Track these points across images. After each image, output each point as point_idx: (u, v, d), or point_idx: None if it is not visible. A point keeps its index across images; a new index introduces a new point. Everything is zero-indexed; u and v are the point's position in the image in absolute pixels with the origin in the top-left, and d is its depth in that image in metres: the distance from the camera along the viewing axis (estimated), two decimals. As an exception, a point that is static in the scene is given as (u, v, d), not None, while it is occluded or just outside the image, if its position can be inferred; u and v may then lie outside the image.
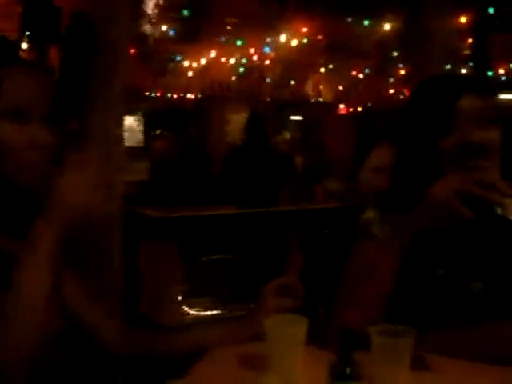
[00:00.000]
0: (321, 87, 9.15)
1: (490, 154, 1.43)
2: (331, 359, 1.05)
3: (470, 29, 7.51)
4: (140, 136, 10.64)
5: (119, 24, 2.32)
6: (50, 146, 1.28)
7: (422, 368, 1.26)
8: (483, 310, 1.48)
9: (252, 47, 7.48)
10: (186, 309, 4.65)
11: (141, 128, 10.65)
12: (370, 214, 1.62)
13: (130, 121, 10.46)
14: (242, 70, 8.01)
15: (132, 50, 6.12)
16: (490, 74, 8.18)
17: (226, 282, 4.76)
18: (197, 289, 4.75)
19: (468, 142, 1.43)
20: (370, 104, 9.04)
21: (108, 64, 2.32)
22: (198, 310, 4.63)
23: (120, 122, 2.49)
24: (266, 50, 7.53)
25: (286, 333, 1.24)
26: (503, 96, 8.64)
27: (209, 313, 4.58)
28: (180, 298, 4.67)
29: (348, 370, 0.99)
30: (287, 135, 10.07)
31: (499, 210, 1.36)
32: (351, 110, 9.43)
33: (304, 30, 7.46)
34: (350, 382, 0.99)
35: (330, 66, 8.54)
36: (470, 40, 7.75)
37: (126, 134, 10.17)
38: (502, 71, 8.35)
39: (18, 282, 1.16)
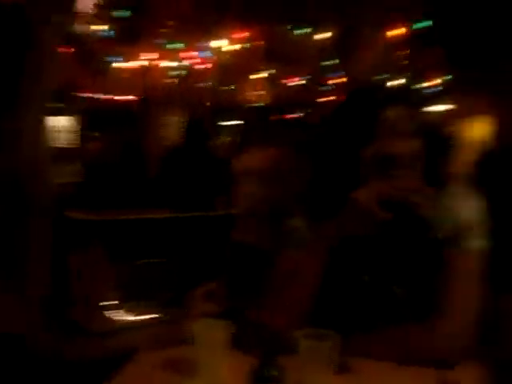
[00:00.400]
0: (260, 92, 9.20)
1: (410, 163, 1.48)
2: (254, 363, 1.06)
3: (406, 41, 7.72)
4: (75, 137, 10.44)
5: (50, 20, 2.28)
6: None
7: (344, 370, 1.29)
8: (406, 313, 1.52)
9: (192, 51, 7.47)
10: (120, 313, 4.58)
11: (76, 128, 10.45)
12: (295, 221, 1.64)
13: (65, 121, 10.27)
14: (181, 72, 7.98)
15: (70, 50, 6.03)
16: (424, 85, 8.40)
17: (161, 286, 4.71)
18: (131, 293, 4.68)
19: (388, 153, 1.47)
20: (309, 110, 9.16)
21: (36, 61, 2.27)
22: (132, 315, 4.56)
23: (47, 122, 2.44)
24: (206, 54, 7.54)
25: (212, 337, 1.25)
26: (435, 107, 8.90)
27: (144, 317, 4.51)
28: (114, 302, 4.60)
29: (269, 374, 1.00)
30: (226, 139, 10.05)
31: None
32: (289, 116, 9.51)
33: (244, 35, 7.52)
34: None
35: (269, 72, 8.60)
36: (406, 51, 7.96)
37: (60, 135, 10.00)
38: (435, 82, 8.58)
39: None
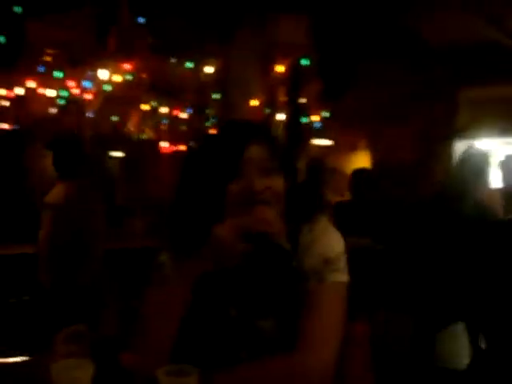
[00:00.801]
0: (143, 125, 9.13)
1: (272, 199, 1.53)
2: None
3: (287, 77, 7.95)
4: None
5: None
6: None
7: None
8: (272, 346, 1.55)
9: (72, 80, 7.32)
10: None
11: None
12: (163, 257, 1.64)
13: None
14: (61, 102, 7.78)
15: None
16: (304, 120, 8.65)
17: (30, 326, 4.49)
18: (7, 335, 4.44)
19: (250, 189, 1.51)
20: (191, 143, 9.17)
21: None
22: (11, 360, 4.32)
23: None
24: (87, 84, 7.41)
25: (71, 376, 1.22)
26: (317, 141, 9.18)
27: (12, 360, 4.30)
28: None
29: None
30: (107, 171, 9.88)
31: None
32: (174, 148, 9.49)
33: (127, 66, 7.46)
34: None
35: (153, 104, 8.57)
36: (287, 87, 8.19)
37: None
38: (315, 118, 8.85)
39: None
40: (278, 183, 1.55)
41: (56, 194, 4.23)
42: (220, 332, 1.56)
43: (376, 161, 8.92)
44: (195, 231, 1.52)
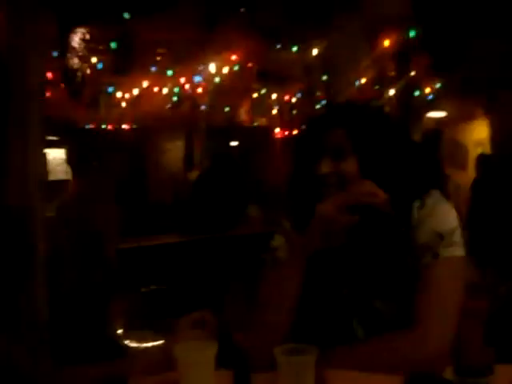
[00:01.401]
0: (254, 113, 9.28)
1: (339, 182, 1.56)
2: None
3: (395, 51, 7.79)
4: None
5: (31, 62, 2.36)
6: None
7: (321, 382, 1.33)
8: (387, 325, 1.56)
9: (183, 76, 7.55)
10: (126, 342, 4.62)
11: (73, 161, 10.47)
12: (276, 241, 1.69)
13: (61, 154, 10.32)
14: (174, 98, 8.06)
15: (63, 85, 6.12)
16: (416, 93, 8.45)
17: (163, 313, 4.74)
18: (136, 321, 4.72)
19: (323, 173, 1.55)
20: (303, 127, 9.20)
21: (22, 103, 2.35)
22: (138, 343, 4.60)
23: (40, 157, 2.52)
24: (197, 78, 7.61)
25: (194, 357, 1.30)
26: (431, 114, 8.95)
27: (149, 344, 4.56)
28: (120, 331, 4.64)
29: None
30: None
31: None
32: (286, 133, 9.57)
33: (233, 58, 7.60)
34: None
35: (262, 92, 8.68)
36: (396, 62, 8.03)
37: (61, 168, 10.04)
38: (428, 90, 8.63)
39: None
40: (348, 167, 1.57)
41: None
42: (334, 311, 1.60)
43: (495, 130, 8.57)
44: (307, 212, 1.55)
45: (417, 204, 1.60)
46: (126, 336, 4.63)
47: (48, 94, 5.81)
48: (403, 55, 7.89)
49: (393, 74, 8.11)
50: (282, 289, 1.55)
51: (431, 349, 1.46)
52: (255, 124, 9.39)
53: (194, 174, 7.75)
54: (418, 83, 8.34)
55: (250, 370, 1.07)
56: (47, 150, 9.33)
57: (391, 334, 1.51)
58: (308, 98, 8.40)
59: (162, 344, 1.59)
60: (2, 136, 2.38)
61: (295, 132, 8.87)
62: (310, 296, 1.58)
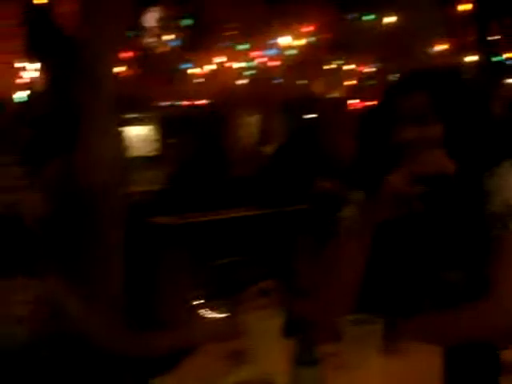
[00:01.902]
0: (329, 84, 9.19)
1: (424, 147, 1.53)
2: (297, 348, 1.13)
3: (472, 16, 7.54)
4: (155, 145, 10.76)
5: (105, 41, 2.44)
6: None
7: (391, 354, 1.34)
8: (458, 296, 1.55)
9: (257, 50, 7.56)
10: (202, 313, 4.73)
11: (155, 137, 10.76)
12: (346, 211, 1.70)
13: (143, 130, 10.60)
14: (249, 73, 8.09)
15: (142, 62, 6.25)
16: (496, 59, 8.17)
17: (240, 285, 4.82)
18: (212, 293, 4.82)
19: (406, 139, 1.53)
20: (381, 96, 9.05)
21: (96, 82, 2.44)
22: (213, 315, 4.70)
23: (115, 134, 2.60)
24: (272, 51, 7.61)
25: (261, 326, 1.34)
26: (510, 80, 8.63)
27: (220, 315, 4.65)
28: (196, 302, 4.75)
29: (306, 357, 1.08)
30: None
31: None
32: (362, 105, 9.45)
33: (308, 29, 7.55)
34: (308, 367, 1.08)
35: (337, 63, 8.59)
36: (473, 27, 7.78)
37: (140, 144, 10.31)
38: (510, 55, 8.32)
39: None
40: (433, 132, 1.55)
41: None
42: (403, 281, 1.60)
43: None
44: (377, 182, 1.55)
45: (488, 174, 1.57)
46: (199, 306, 4.75)
47: (125, 73, 5.95)
48: (483, 19, 7.62)
49: (470, 39, 7.86)
50: (350, 258, 1.57)
51: (503, 320, 1.45)
52: (330, 96, 9.31)
53: (268, 148, 7.78)
54: (499, 48, 8.06)
55: (314, 340, 1.10)
56: (129, 128, 9.61)
57: (463, 305, 1.50)
58: (383, 67, 8.26)
59: (231, 314, 1.64)
60: (77, 116, 2.47)
61: (371, 103, 8.73)
62: (377, 266, 1.58)
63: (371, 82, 8.76)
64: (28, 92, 6.60)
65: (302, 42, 7.72)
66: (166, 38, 7.18)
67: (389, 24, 7.73)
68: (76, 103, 2.43)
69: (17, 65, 6.49)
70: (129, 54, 5.81)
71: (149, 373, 1.41)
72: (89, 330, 1.55)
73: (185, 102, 9.17)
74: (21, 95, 7.33)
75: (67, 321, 1.42)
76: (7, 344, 1.25)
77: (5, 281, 1.29)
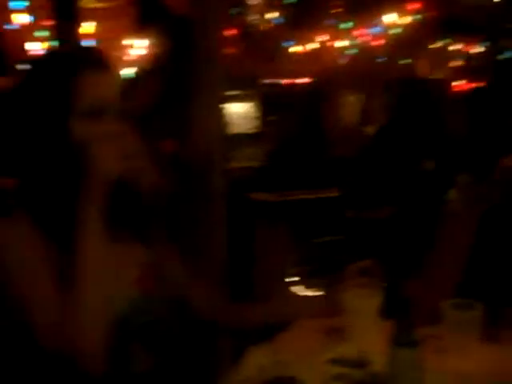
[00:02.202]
0: (434, 65, 8.93)
1: None
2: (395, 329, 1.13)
3: None
4: (255, 122, 10.84)
5: (211, 20, 2.49)
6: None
7: (492, 341, 1.31)
8: None
9: (361, 28, 7.44)
10: (299, 290, 4.78)
11: (256, 114, 10.85)
12: (451, 193, 1.67)
13: (244, 107, 10.70)
14: (352, 51, 7.98)
15: (244, 39, 6.30)
16: None
17: (338, 264, 4.84)
18: (311, 270, 4.86)
19: None
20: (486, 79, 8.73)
21: (203, 55, 2.50)
22: (310, 292, 4.75)
23: (219, 111, 2.66)
24: (376, 30, 7.47)
25: (359, 305, 1.35)
26: None
27: (317, 293, 4.68)
28: (293, 279, 4.81)
29: (405, 338, 1.07)
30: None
31: None
32: (469, 86, 9.14)
33: (414, 6, 7.35)
34: (406, 348, 1.07)
35: (443, 42, 8.33)
36: None
37: (241, 121, 10.43)
38: None
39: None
40: None
41: None
42: (506, 268, 1.56)
43: None
44: (488, 164, 1.52)
45: None
46: (295, 283, 4.79)
47: (228, 51, 6.02)
48: None
49: None
50: (455, 241, 1.54)
51: None
52: (434, 77, 9.05)
53: (370, 128, 7.67)
54: None
55: (414, 321, 1.09)
56: (230, 105, 9.75)
57: None
58: (492, 47, 7.93)
59: (329, 292, 1.65)
60: (186, 92, 2.54)
61: (478, 85, 8.43)
62: (481, 252, 1.55)
63: (476, 63, 8.46)
64: (135, 69, 6.79)
65: (408, 19, 7.52)
66: (269, 15, 7.18)
67: (498, 2, 7.40)
68: (185, 79, 2.50)
69: (125, 42, 6.71)
70: (232, 32, 5.86)
71: (246, 342, 1.45)
72: (193, 299, 1.60)
73: (286, 80, 9.18)
74: (128, 72, 7.56)
75: (173, 289, 1.48)
76: (120, 306, 1.31)
77: (119, 245, 1.34)
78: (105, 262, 1.24)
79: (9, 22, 5.69)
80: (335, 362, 1.31)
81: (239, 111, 10.58)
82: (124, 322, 1.27)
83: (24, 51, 5.81)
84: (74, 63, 1.33)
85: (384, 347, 1.19)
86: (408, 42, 7.86)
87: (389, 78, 8.95)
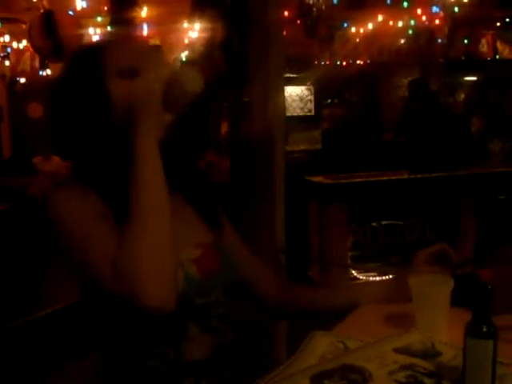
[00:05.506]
0: (497, 44, 8.66)
1: None
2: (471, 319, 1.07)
3: None
4: (311, 105, 10.77)
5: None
6: None
7: None
8: None
9: (419, 7, 7.24)
10: (354, 273, 4.73)
11: (312, 97, 10.77)
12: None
13: (300, 90, 10.62)
14: (410, 32, 7.79)
15: (299, 20, 6.22)
16: None
17: (395, 248, 4.78)
18: (366, 254, 4.81)
19: None
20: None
21: (263, 35, 2.47)
22: (366, 275, 4.69)
23: (280, 92, 2.63)
24: (435, 9, 7.26)
25: (430, 291, 1.29)
26: None
27: (377, 278, 4.62)
28: (349, 262, 4.76)
29: (483, 328, 1.02)
30: (461, 96, 9.67)
31: None
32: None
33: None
34: (482, 339, 1.02)
35: (507, 21, 8.06)
36: None
37: (296, 104, 10.38)
38: None
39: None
40: None
41: None
42: None
43: None
44: None
45: None
46: (354, 267, 4.74)
47: (285, 32, 5.96)
48: None
49: None
50: None
51: None
52: (498, 57, 8.78)
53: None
54: None
55: (491, 310, 1.03)
56: (287, 87, 9.69)
57: None
58: None
59: (396, 277, 1.59)
60: (245, 72, 2.51)
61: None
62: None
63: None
64: (192, 52, 6.80)
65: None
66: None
67: None
68: (246, 61, 2.47)
69: (181, 26, 6.72)
70: (289, 12, 5.78)
71: (308, 327, 1.41)
72: (252, 279, 1.58)
73: (343, 62, 9.06)
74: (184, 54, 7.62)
75: (234, 269, 1.46)
76: (183, 286, 1.30)
77: (181, 220, 1.33)
78: (165, 202, 1.21)
79: (72, 8, 5.75)
80: (402, 351, 1.25)
81: (295, 94, 10.53)
82: (182, 301, 1.24)
83: (80, 37, 5.87)
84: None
85: (455, 337, 1.14)
86: (470, 20, 7.62)
87: (448, 59, 8.76)
